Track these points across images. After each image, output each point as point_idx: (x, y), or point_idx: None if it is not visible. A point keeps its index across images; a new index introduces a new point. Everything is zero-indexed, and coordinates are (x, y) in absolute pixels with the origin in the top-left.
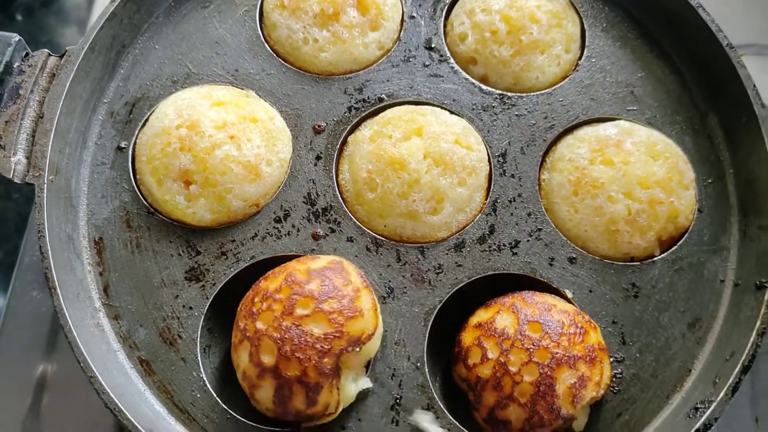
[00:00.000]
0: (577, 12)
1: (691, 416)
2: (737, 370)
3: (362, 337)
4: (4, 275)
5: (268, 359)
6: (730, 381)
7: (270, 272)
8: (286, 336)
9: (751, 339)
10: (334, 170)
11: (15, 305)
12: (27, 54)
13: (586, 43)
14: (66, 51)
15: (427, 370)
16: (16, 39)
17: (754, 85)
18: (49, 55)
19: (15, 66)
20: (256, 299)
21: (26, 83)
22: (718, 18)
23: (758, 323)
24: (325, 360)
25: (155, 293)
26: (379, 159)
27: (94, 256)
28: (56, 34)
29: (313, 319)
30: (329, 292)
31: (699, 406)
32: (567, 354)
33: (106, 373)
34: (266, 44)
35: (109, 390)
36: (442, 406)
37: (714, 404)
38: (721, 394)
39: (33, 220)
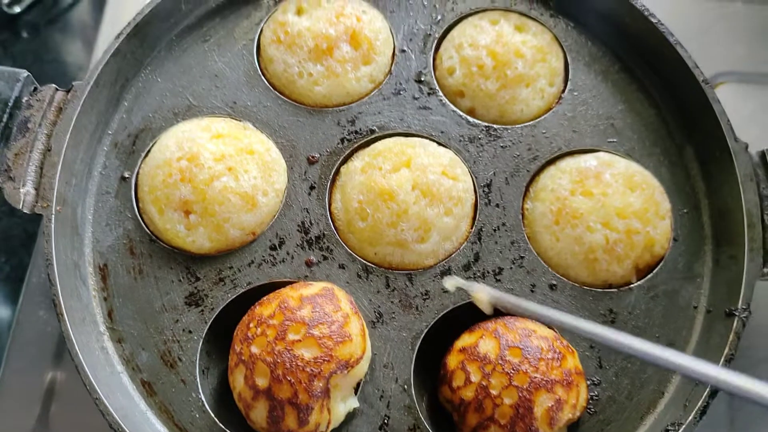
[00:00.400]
0: (561, 46)
1: None
2: (705, 394)
3: (350, 360)
4: (12, 289)
5: (261, 382)
6: (699, 405)
7: (265, 298)
8: (279, 360)
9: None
10: (326, 200)
11: (23, 321)
12: (35, 89)
13: (570, 77)
14: (72, 86)
15: (413, 392)
16: (25, 75)
17: (728, 120)
18: (57, 89)
19: (24, 101)
20: (251, 324)
21: (35, 117)
22: (700, 46)
23: (726, 350)
24: (315, 382)
25: (157, 318)
26: (369, 190)
27: (99, 282)
28: (62, 52)
29: (304, 344)
30: (320, 318)
31: (669, 428)
32: (545, 378)
33: (110, 394)
34: (263, 77)
35: (113, 411)
36: (427, 426)
37: (683, 426)
38: (690, 417)
39: (40, 240)
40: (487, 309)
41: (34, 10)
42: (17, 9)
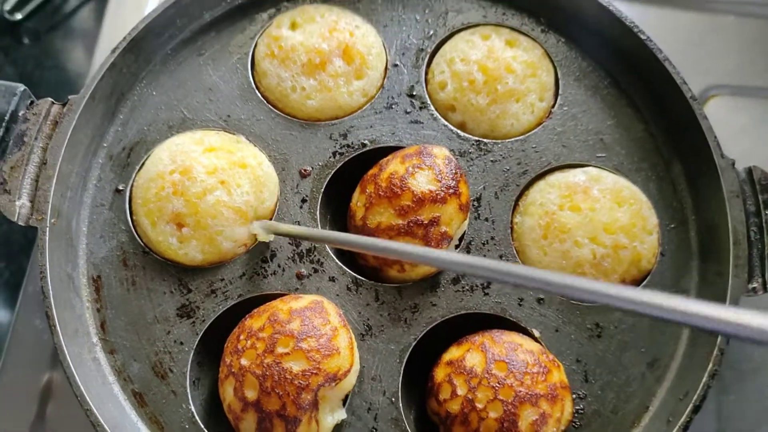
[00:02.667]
0: (552, 62)
1: None
2: (689, 409)
3: (338, 373)
4: (11, 294)
5: (250, 394)
6: (682, 420)
7: (255, 311)
8: (267, 373)
9: (703, 380)
10: (318, 213)
11: (20, 329)
12: (32, 102)
13: (560, 92)
14: (68, 99)
15: (401, 404)
16: (21, 89)
17: (715, 137)
18: (53, 103)
19: (20, 114)
20: (242, 337)
21: (30, 131)
22: (692, 59)
23: (710, 365)
24: (303, 395)
25: (149, 329)
26: None
27: (92, 294)
28: (63, 59)
29: (292, 357)
30: (308, 331)
31: None
32: (530, 392)
33: (101, 405)
34: (257, 91)
35: (103, 422)
36: None
37: None
38: None
39: (36, 252)
40: (264, 237)
41: (35, 17)
42: (19, 16)
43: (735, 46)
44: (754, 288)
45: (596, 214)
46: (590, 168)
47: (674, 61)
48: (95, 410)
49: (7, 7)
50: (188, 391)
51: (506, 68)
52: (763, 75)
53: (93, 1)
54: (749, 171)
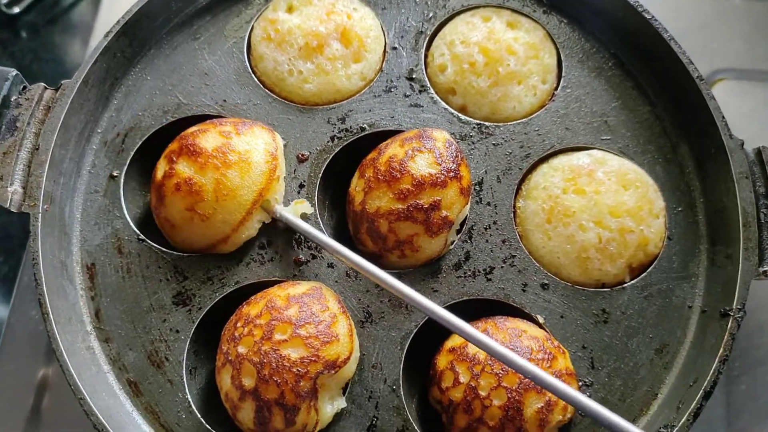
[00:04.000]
0: (554, 43)
1: None
2: (699, 396)
3: (338, 361)
4: (9, 288)
5: (248, 382)
6: (692, 407)
7: (252, 297)
8: (265, 360)
9: (714, 366)
10: (316, 198)
11: (15, 321)
12: (24, 87)
13: (563, 74)
14: (61, 84)
15: (402, 392)
16: (14, 73)
17: (723, 117)
18: (45, 88)
19: (12, 99)
20: (239, 324)
21: (23, 116)
22: (698, 43)
23: (721, 351)
24: (302, 383)
25: (144, 317)
26: None
27: (86, 282)
28: (61, 52)
29: (290, 344)
30: (306, 318)
31: (662, 429)
32: None
33: (95, 394)
34: (253, 75)
35: (97, 412)
36: (416, 427)
37: (676, 429)
38: (683, 420)
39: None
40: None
41: (33, 10)
42: (16, 9)
43: (741, 29)
44: (765, 271)
45: (601, 197)
46: (595, 150)
47: (681, 45)
48: (89, 399)
49: (5, 0)
50: (185, 380)
51: (507, 50)
52: None
53: None
54: (758, 152)
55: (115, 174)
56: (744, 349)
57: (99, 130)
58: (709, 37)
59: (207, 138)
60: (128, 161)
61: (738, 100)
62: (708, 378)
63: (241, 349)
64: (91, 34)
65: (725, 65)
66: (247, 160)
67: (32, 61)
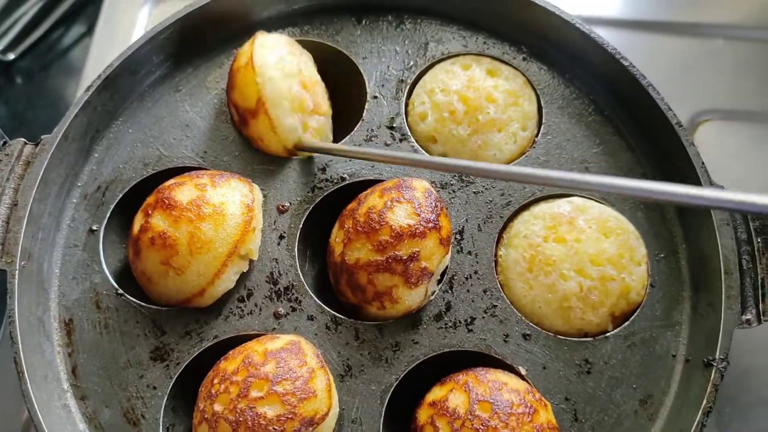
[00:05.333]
0: (534, 90)
1: None
2: None
3: (315, 417)
4: None
5: None
6: None
7: (231, 352)
8: (241, 419)
9: (697, 418)
10: (296, 249)
11: None
12: (5, 143)
13: (543, 120)
14: (41, 139)
15: None
16: None
17: (703, 163)
18: (25, 143)
19: None
20: (215, 380)
21: (2, 172)
22: (683, 84)
23: (704, 402)
24: None
25: (121, 373)
26: None
27: (63, 338)
28: (55, 97)
29: (266, 401)
30: (283, 373)
31: None
32: None
33: None
34: (234, 126)
35: None
36: None
37: None
38: None
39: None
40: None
41: (28, 56)
42: (11, 56)
43: (725, 70)
44: (748, 320)
45: (582, 245)
46: (575, 198)
47: (665, 86)
48: None
49: (0, 47)
50: None
51: (487, 98)
52: (754, 99)
53: (85, 39)
54: None
55: (94, 228)
56: (734, 395)
57: (79, 184)
58: (694, 78)
59: (183, 191)
60: (108, 215)
61: (723, 140)
62: (692, 430)
63: (217, 407)
64: (80, 80)
65: (710, 106)
66: (222, 213)
67: (27, 107)
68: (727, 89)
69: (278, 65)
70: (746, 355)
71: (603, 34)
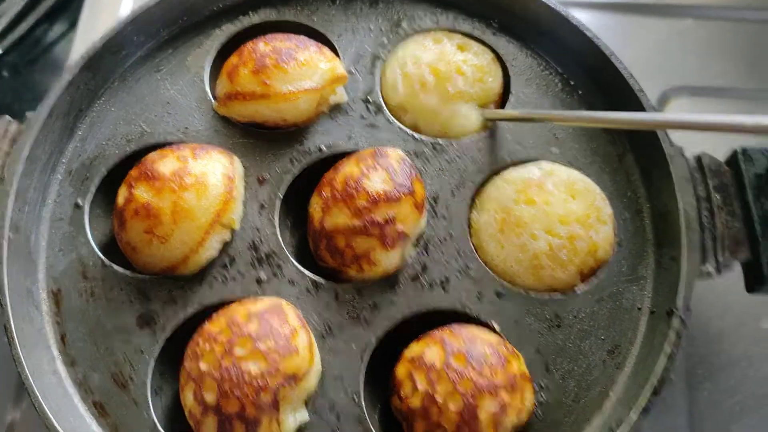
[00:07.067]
0: (504, 64)
1: None
2: (649, 393)
3: (298, 373)
4: None
5: (210, 397)
6: (642, 403)
7: (214, 315)
8: (225, 375)
9: (662, 363)
10: (277, 219)
11: None
12: None
13: (511, 91)
14: (26, 117)
15: (364, 403)
16: None
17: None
18: (10, 121)
19: None
20: (200, 341)
21: None
22: (653, 63)
23: (668, 348)
24: (262, 396)
25: (108, 339)
26: None
27: (52, 307)
28: (41, 90)
29: (250, 358)
30: (266, 332)
31: (614, 428)
32: (489, 383)
33: (61, 416)
34: (214, 103)
35: None
36: None
37: (628, 426)
38: (634, 417)
39: None
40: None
41: (14, 51)
42: None
43: (694, 48)
44: (708, 272)
45: (551, 206)
46: (544, 163)
47: (636, 65)
48: (55, 422)
49: None
50: (149, 399)
51: (457, 70)
52: (721, 76)
53: (70, 34)
54: (698, 158)
55: (79, 202)
56: (704, 356)
57: (64, 160)
58: (663, 57)
59: (165, 163)
60: (93, 189)
61: None
62: (658, 376)
63: (203, 366)
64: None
65: (679, 83)
66: (204, 183)
67: (14, 100)
68: (696, 67)
69: None
70: (717, 319)
71: (577, 15)
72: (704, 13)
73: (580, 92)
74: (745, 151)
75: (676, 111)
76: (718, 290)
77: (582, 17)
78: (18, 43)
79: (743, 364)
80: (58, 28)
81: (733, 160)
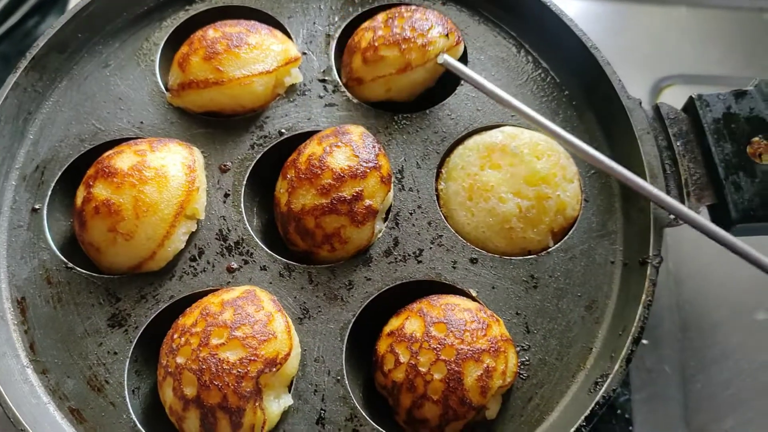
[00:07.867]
0: (456, 33)
1: (591, 390)
2: (629, 342)
3: (277, 358)
4: None
5: (190, 391)
6: (623, 353)
7: (188, 309)
8: (204, 366)
9: (639, 312)
10: (242, 206)
11: None
12: None
13: (468, 59)
14: None
15: (347, 382)
16: None
17: (620, 79)
18: None
19: None
20: (175, 336)
21: None
22: (648, 51)
23: (644, 297)
24: (244, 384)
25: (80, 344)
26: None
27: (18, 316)
28: None
29: (228, 347)
30: (242, 319)
31: (598, 380)
32: (471, 348)
33: (37, 426)
34: (168, 95)
35: None
36: (364, 414)
37: (611, 377)
38: (616, 367)
39: None
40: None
41: (5, 41)
42: None
43: (688, 36)
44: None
45: (516, 168)
46: (506, 127)
47: (630, 53)
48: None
49: None
50: (127, 400)
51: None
52: (714, 63)
53: None
54: (656, 108)
55: (37, 207)
56: (698, 348)
57: (17, 166)
58: (658, 45)
59: (122, 158)
60: (49, 193)
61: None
62: (635, 324)
63: (180, 360)
64: None
65: (674, 71)
66: (164, 175)
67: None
68: (689, 55)
69: None
70: (711, 311)
71: (570, 3)
72: (698, 1)
73: (536, 57)
74: (701, 96)
75: (670, 99)
76: (713, 282)
77: (577, 6)
78: (8, 33)
79: (737, 356)
80: (49, 22)
81: (690, 106)
